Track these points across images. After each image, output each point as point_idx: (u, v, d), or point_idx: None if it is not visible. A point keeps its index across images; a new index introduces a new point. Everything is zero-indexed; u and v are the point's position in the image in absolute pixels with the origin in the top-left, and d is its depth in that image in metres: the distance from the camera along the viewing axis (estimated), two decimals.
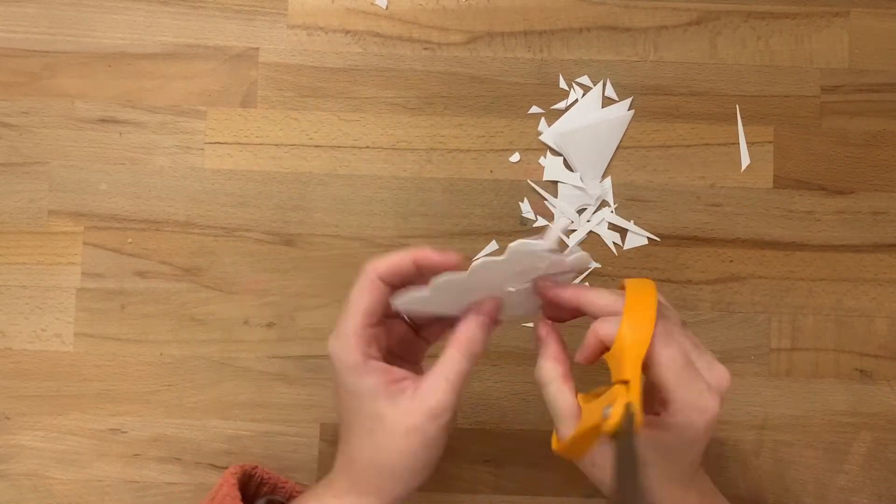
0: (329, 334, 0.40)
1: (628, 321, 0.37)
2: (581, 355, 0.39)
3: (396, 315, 0.42)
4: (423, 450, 0.38)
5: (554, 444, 0.39)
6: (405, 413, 0.38)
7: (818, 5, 0.54)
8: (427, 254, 0.39)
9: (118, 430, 0.52)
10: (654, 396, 0.39)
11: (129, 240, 0.53)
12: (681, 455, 0.39)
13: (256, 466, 0.47)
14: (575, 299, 0.39)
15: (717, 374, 0.38)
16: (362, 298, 0.39)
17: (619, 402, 0.34)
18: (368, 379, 0.38)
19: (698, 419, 0.37)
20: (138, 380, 0.52)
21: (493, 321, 0.40)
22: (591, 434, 0.35)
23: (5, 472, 0.52)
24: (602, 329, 0.37)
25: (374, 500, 0.39)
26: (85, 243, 0.53)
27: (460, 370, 0.39)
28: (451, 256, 0.39)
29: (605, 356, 0.38)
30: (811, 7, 0.54)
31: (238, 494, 0.43)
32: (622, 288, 0.39)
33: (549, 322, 0.41)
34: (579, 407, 0.38)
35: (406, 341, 0.43)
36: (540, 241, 0.38)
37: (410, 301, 0.40)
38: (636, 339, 0.36)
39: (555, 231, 0.38)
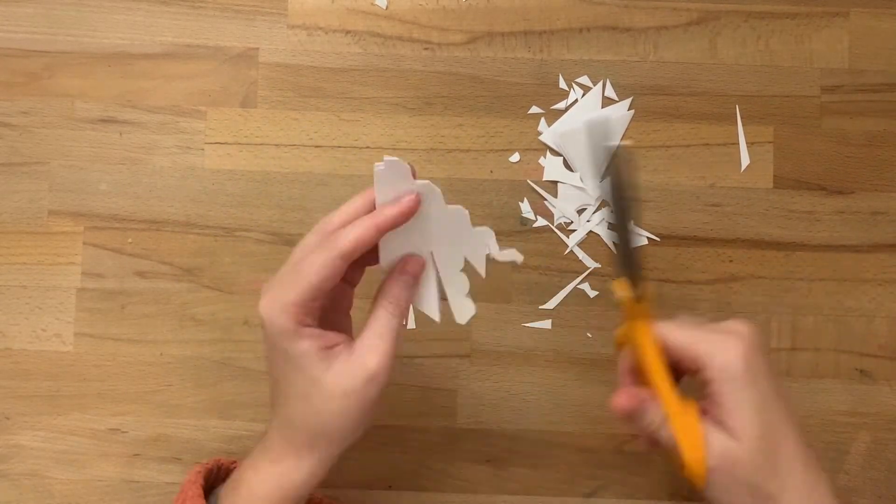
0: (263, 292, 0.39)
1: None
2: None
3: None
4: (360, 411, 0.39)
5: (694, 471, 0.38)
6: (341, 375, 0.38)
7: (818, 5, 0.54)
8: (386, 215, 0.40)
9: (118, 430, 0.52)
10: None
11: (129, 240, 0.53)
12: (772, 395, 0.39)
13: (219, 460, 0.46)
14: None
15: (725, 323, 0.41)
16: (317, 273, 0.38)
17: None
18: (303, 344, 0.38)
19: (731, 361, 0.38)
20: (138, 380, 0.52)
21: (416, 280, 0.41)
22: None
23: (5, 472, 0.52)
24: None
25: (312, 461, 0.39)
26: (85, 243, 0.53)
27: (392, 327, 0.40)
28: (407, 203, 0.40)
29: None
30: (811, 7, 0.54)
31: (201, 493, 0.42)
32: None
33: (626, 391, 0.40)
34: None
35: (335, 295, 0.42)
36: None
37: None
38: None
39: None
